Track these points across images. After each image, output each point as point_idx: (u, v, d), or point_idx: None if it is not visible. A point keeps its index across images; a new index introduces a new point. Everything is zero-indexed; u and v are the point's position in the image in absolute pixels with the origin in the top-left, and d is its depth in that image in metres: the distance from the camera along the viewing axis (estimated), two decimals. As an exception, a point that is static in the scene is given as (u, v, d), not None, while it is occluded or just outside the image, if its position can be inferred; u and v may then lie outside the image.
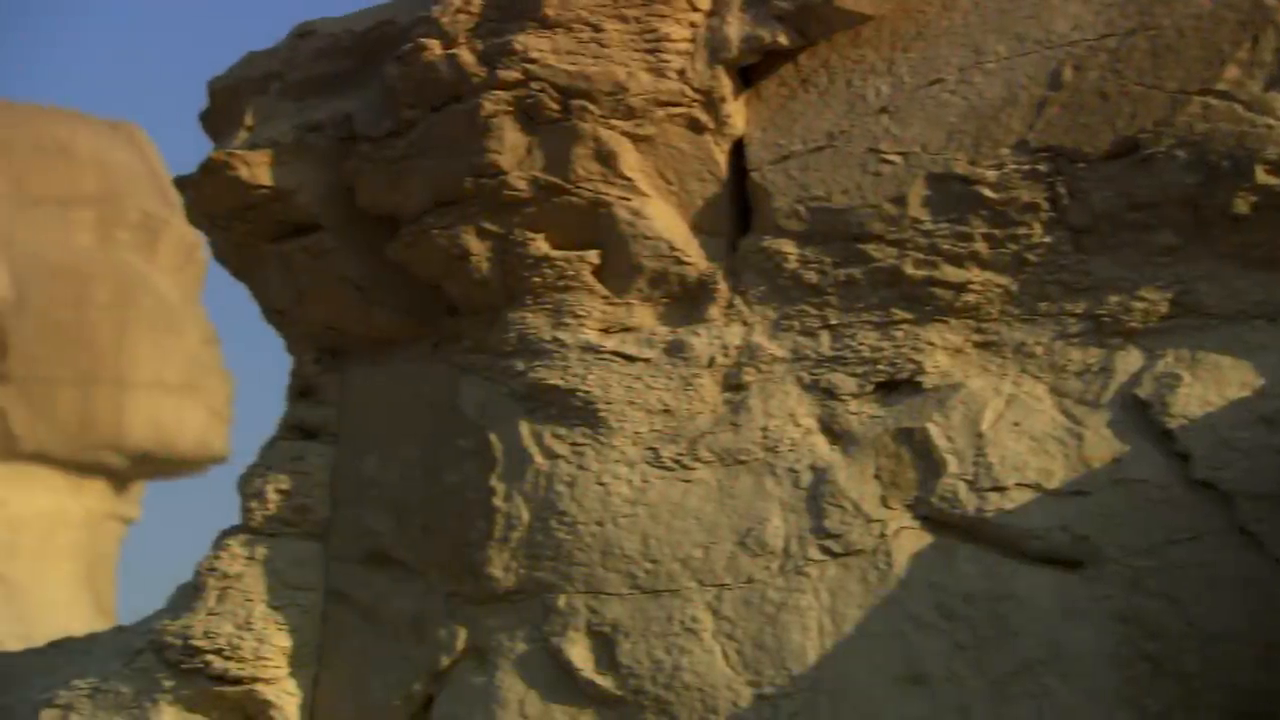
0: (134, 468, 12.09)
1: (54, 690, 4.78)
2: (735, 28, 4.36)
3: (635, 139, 4.44)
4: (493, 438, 4.58)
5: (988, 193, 4.21)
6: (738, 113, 4.44)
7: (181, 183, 4.97)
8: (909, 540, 4.17)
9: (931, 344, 4.27)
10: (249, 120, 4.85)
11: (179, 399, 11.89)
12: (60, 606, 11.68)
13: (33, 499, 11.63)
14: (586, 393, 4.48)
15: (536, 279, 4.57)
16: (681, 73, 4.38)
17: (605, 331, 4.54)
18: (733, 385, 4.41)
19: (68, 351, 11.59)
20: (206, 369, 12.21)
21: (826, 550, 4.21)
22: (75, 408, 11.63)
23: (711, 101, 4.40)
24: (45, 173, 11.64)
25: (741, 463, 4.35)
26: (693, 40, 4.38)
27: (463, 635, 4.52)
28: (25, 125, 11.62)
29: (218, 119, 5.01)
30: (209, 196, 4.87)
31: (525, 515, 4.47)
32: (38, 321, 11.58)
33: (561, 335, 4.54)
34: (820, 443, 4.32)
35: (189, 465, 12.27)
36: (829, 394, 4.34)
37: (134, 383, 11.76)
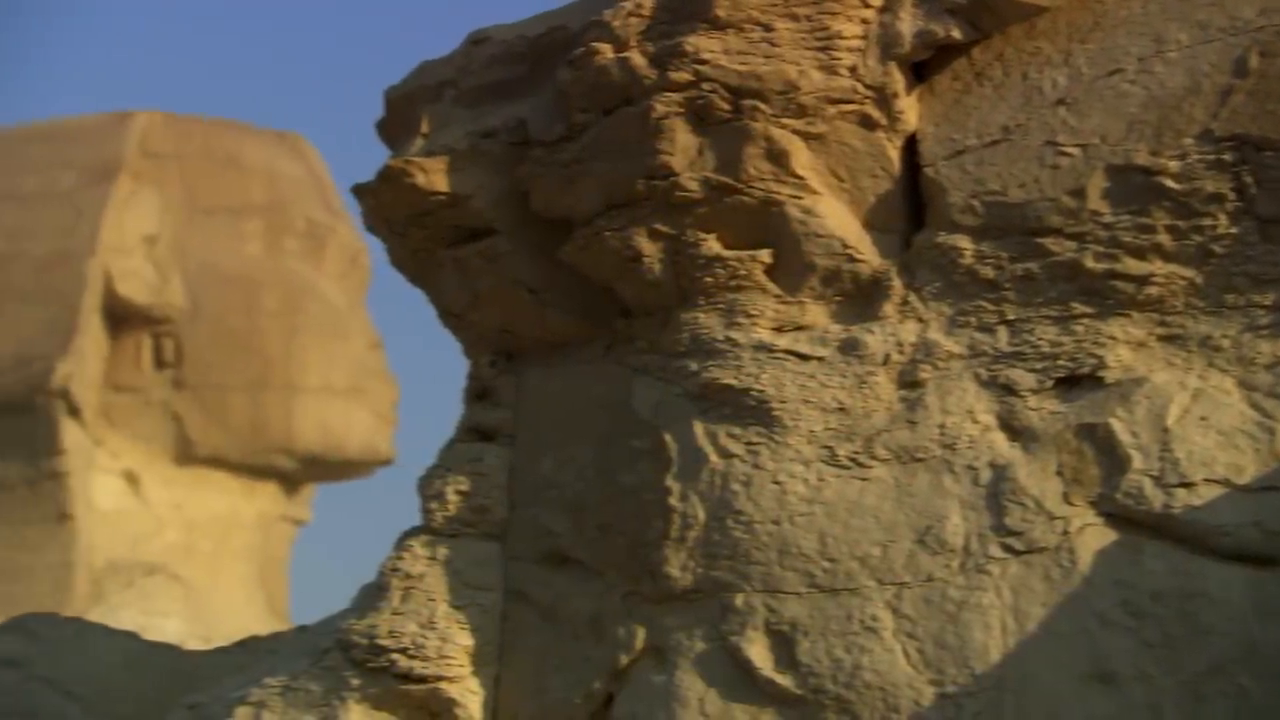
0: (303, 471, 12.34)
1: (246, 689, 4.91)
2: (907, 23, 4.33)
3: (807, 137, 4.43)
4: (667, 438, 4.61)
5: (1170, 184, 4.14)
6: (910, 108, 4.41)
7: (359, 190, 5.07)
8: (1093, 538, 4.11)
9: (1113, 338, 4.21)
10: (424, 128, 4.93)
11: (346, 403, 12.11)
12: (236, 607, 11.96)
13: (208, 502, 11.93)
14: (760, 392, 4.48)
15: (709, 279, 4.58)
16: (853, 70, 4.36)
17: (778, 330, 4.54)
18: (908, 382, 4.39)
19: (239, 358, 11.87)
20: (372, 373, 12.42)
21: (1008, 548, 4.16)
22: (247, 413, 11.90)
23: (884, 98, 4.38)
24: (216, 183, 11.94)
25: (919, 460, 4.32)
26: (864, 37, 4.36)
27: (641, 634, 4.55)
28: (196, 138, 11.93)
29: (393, 127, 5.10)
30: (386, 204, 4.96)
31: (701, 515, 4.49)
32: (210, 329, 11.88)
33: (734, 335, 4.55)
34: (999, 439, 4.27)
35: (356, 468, 12.49)
36: (1008, 390, 4.29)
37: (303, 387, 12.00)
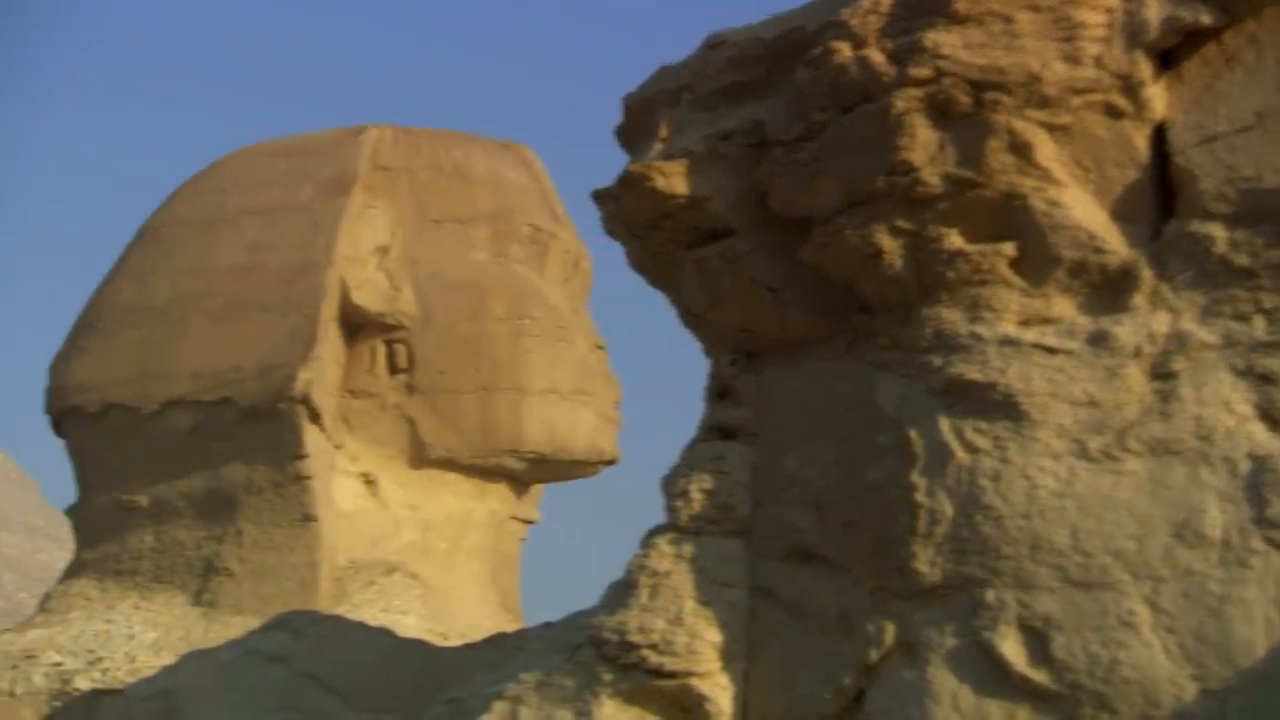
0: (532, 471, 12.54)
1: (502, 684, 5.05)
2: (1154, 10, 4.26)
3: (1050, 129, 4.39)
4: (912, 434, 4.61)
5: None
6: (1158, 96, 4.34)
7: (599, 196, 5.18)
8: (1361, 530, 3.99)
9: (1379, 324, 4.08)
10: (663, 132, 5.01)
11: (571, 404, 12.27)
12: (471, 604, 12.22)
13: (442, 503, 12.21)
14: (1007, 386, 4.45)
15: (951, 274, 4.57)
16: (1098, 59, 4.31)
17: (1024, 324, 4.51)
18: (1161, 374, 4.32)
19: (468, 362, 12.11)
20: (595, 374, 12.56)
21: (1271, 541, 4.07)
22: (477, 415, 12.13)
23: (1130, 86, 4.32)
24: (444, 194, 12.21)
25: (1174, 453, 4.25)
26: (1109, 25, 4.31)
27: (890, 630, 4.56)
28: (424, 150, 12.22)
29: (631, 132, 5.20)
30: (626, 208, 5.06)
31: (949, 510, 4.48)
32: (440, 335, 12.15)
33: (979, 329, 4.53)
34: (1258, 430, 4.18)
35: (582, 468, 12.64)
36: (1266, 380, 4.19)
37: (529, 390, 12.18)
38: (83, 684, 10.67)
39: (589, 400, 12.58)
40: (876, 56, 4.49)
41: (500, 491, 12.69)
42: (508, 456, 12.46)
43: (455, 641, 8.81)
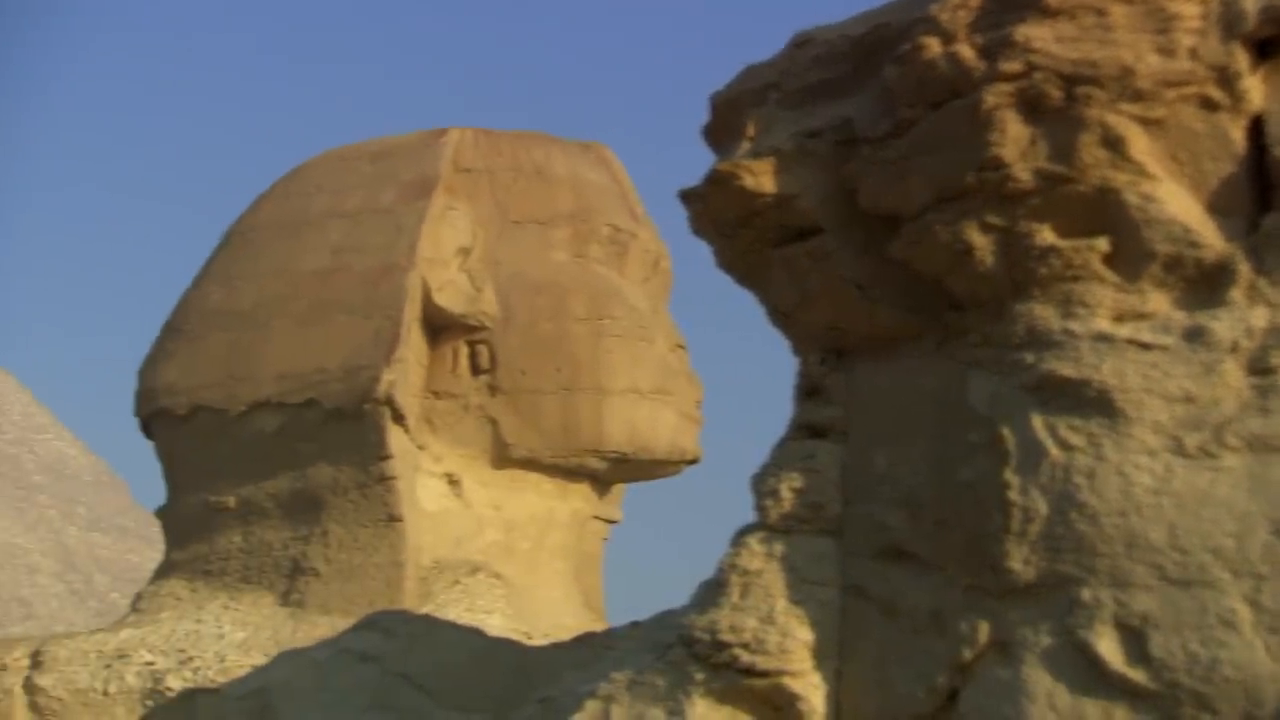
0: (613, 470, 12.56)
1: (593, 683, 5.07)
2: (1251, 0, 4.21)
3: (1144, 122, 4.35)
4: (1004, 431, 4.58)
5: None
6: (1254, 88, 4.29)
7: (686, 195, 5.18)
8: None
9: None
10: (750, 130, 5.01)
11: (652, 404, 12.27)
12: (554, 604, 12.26)
13: (525, 502, 12.25)
14: (1101, 382, 4.42)
15: (1043, 270, 4.54)
16: (1193, 51, 4.26)
17: (1118, 320, 4.47)
18: (1260, 369, 4.26)
19: (549, 362, 12.15)
20: (676, 374, 12.56)
21: (1375, 538, 4.01)
22: (558, 415, 12.16)
23: (1226, 78, 4.27)
24: (524, 195, 12.26)
25: (1273, 449, 4.19)
26: (1204, 17, 4.26)
27: (984, 629, 4.53)
28: (505, 152, 12.28)
29: (718, 131, 5.20)
30: (714, 207, 5.06)
31: (1042, 508, 4.45)
32: (522, 335, 12.20)
33: (1072, 325, 4.49)
34: (1361, 426, 4.11)
35: (664, 467, 12.65)
36: (1368, 374, 4.13)
37: (610, 390, 12.20)
38: (174, 683, 10.82)
39: (670, 399, 12.57)
40: (966, 52, 4.47)
41: (582, 491, 12.72)
42: (589, 456, 12.48)
43: (539, 641, 8.85)
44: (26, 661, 11.30)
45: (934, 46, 4.51)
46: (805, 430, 5.11)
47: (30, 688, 11.18)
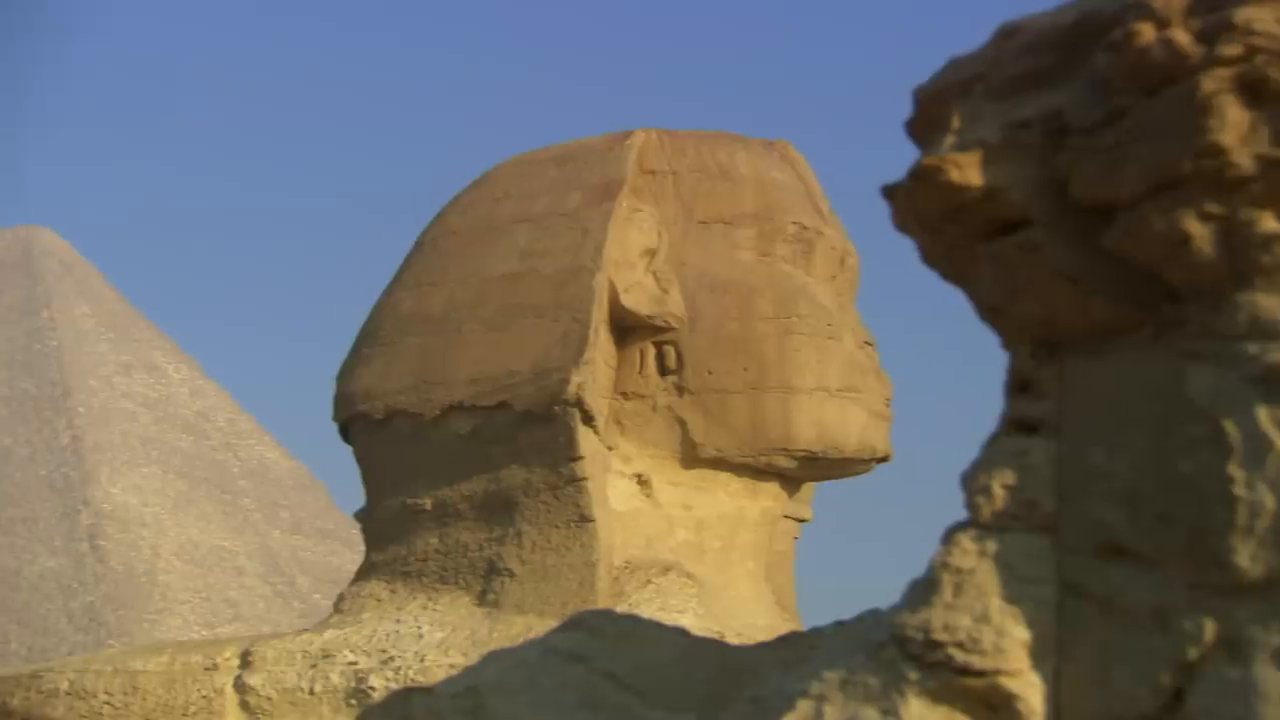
0: (802, 469, 12.54)
1: (804, 682, 5.05)
2: None
3: (1373, 102, 4.20)
4: (1227, 424, 4.46)
5: None
6: None
7: (889, 190, 5.14)
8: None
9: None
10: (955, 124, 4.95)
11: (841, 402, 12.22)
12: (745, 603, 12.27)
13: (715, 502, 12.29)
14: (1329, 373, 4.28)
15: (1266, 258, 4.41)
16: None
17: (1347, 307, 4.32)
18: None
19: (737, 362, 12.18)
20: (865, 371, 12.49)
21: None
22: (746, 415, 12.18)
23: None
24: (709, 195, 12.29)
25: None
26: None
27: (1210, 627, 4.42)
28: (689, 152, 12.33)
29: (922, 125, 5.15)
30: (919, 202, 5.01)
31: (1269, 503, 4.33)
32: (708, 336, 12.24)
33: (1297, 315, 4.36)
34: None
35: (853, 465, 12.59)
36: None
37: (798, 388, 12.18)
38: (376, 682, 11.07)
39: (859, 397, 12.51)
40: (1182, 37, 4.36)
41: (772, 490, 12.71)
42: (778, 455, 12.48)
43: (731, 640, 8.87)
44: (236, 661, 11.66)
45: (1148, 32, 4.41)
46: (1017, 426, 5.03)
47: (240, 687, 11.54)
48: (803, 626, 11.51)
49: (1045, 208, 4.83)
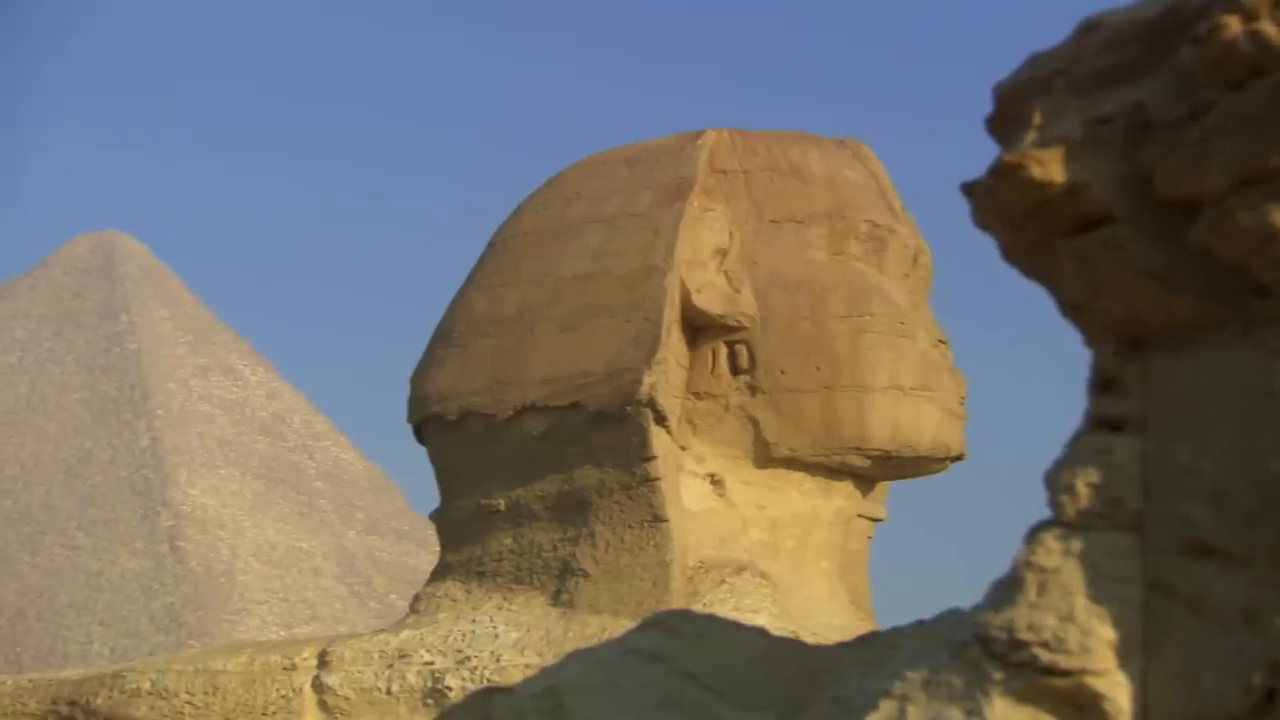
0: (877, 468, 12.49)
1: (887, 682, 5.04)
2: None
3: None
4: (1317, 421, 4.40)
5: None
6: None
7: (968, 187, 5.11)
8: None
9: None
10: (1036, 120, 4.91)
11: (914, 400, 12.16)
12: (820, 602, 12.23)
13: (788, 501, 12.26)
14: None
15: (1356, 252, 4.35)
16: None
17: None
18: None
19: (809, 361, 12.15)
20: (938, 369, 12.42)
21: None
22: (819, 414, 12.15)
23: None
24: (781, 194, 12.27)
25: None
26: None
27: (1302, 627, 4.36)
28: (761, 152, 12.30)
29: (1002, 122, 5.11)
30: (1000, 198, 4.98)
31: (1361, 501, 4.26)
32: (781, 335, 12.21)
33: (1389, 309, 4.30)
34: None
35: (928, 464, 12.53)
36: None
37: (871, 387, 12.14)
38: (452, 682, 11.13)
39: (933, 395, 12.45)
40: (1270, 29, 4.30)
41: (846, 489, 12.68)
42: (852, 454, 12.44)
43: (807, 640, 8.84)
44: (314, 661, 11.77)
45: (1234, 25, 4.36)
46: (1101, 424, 4.99)
47: (319, 686, 11.65)
48: (878, 626, 11.48)
49: (1128, 204, 4.79)
